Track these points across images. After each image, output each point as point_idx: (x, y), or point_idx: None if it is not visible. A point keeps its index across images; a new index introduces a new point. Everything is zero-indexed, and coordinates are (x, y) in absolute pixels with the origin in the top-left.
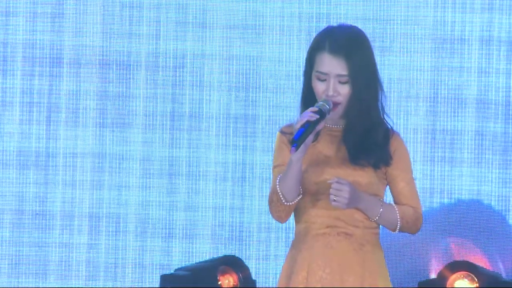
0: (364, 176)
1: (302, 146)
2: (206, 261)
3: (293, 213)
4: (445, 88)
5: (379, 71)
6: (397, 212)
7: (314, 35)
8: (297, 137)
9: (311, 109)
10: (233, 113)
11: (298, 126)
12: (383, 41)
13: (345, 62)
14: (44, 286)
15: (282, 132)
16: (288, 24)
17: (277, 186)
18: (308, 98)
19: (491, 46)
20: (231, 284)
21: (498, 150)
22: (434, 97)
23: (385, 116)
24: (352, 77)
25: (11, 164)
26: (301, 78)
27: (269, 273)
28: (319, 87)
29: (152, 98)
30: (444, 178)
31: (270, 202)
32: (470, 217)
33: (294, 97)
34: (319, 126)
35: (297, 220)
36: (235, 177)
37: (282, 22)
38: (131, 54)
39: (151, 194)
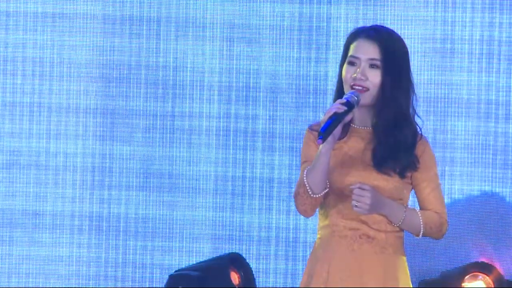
0: (389, 181)
1: (330, 138)
2: (212, 260)
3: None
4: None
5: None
6: (420, 217)
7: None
8: (324, 129)
9: (338, 101)
10: (233, 113)
11: (325, 118)
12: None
13: (379, 47)
14: (45, 286)
15: (310, 128)
16: (287, 25)
17: (304, 178)
18: (342, 91)
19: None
20: (236, 282)
21: None
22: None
23: (415, 117)
24: (384, 63)
25: (14, 164)
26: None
27: (269, 272)
28: (348, 71)
29: (153, 99)
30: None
31: (296, 195)
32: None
33: (295, 97)
34: (348, 118)
35: (321, 221)
36: (235, 177)
37: (282, 23)
38: (131, 54)
39: (151, 194)
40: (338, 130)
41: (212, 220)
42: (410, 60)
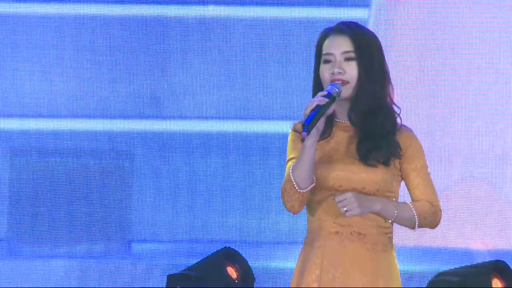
0: (376, 172)
1: (314, 130)
2: (206, 258)
3: (305, 209)
4: None
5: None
6: (413, 209)
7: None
8: (308, 122)
9: (320, 93)
10: (234, 114)
11: (308, 111)
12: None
13: (350, 39)
14: (45, 286)
15: (293, 130)
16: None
17: (291, 174)
18: (319, 91)
19: None
20: (234, 275)
21: None
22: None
23: (394, 106)
24: (358, 54)
25: None
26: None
27: (269, 272)
28: (324, 69)
29: (153, 100)
30: None
31: (283, 192)
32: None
33: (294, 96)
34: (330, 110)
35: (310, 217)
36: (234, 177)
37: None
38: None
39: (150, 195)
40: (321, 122)
41: (212, 220)
42: (383, 53)
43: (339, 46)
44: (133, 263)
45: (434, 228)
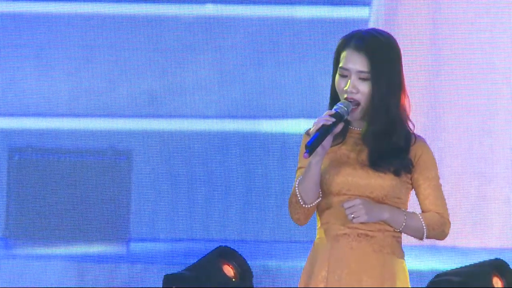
0: (385, 178)
1: (319, 149)
2: (202, 258)
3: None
4: None
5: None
6: (422, 220)
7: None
8: (310, 143)
9: (327, 112)
10: (233, 114)
11: (313, 130)
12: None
13: (367, 59)
14: (45, 286)
15: (307, 134)
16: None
17: (296, 189)
18: (335, 99)
19: None
20: (232, 273)
21: None
22: None
23: (408, 122)
24: (373, 74)
25: None
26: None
27: (268, 272)
28: (340, 83)
29: (151, 98)
30: None
31: (290, 204)
32: None
33: (294, 95)
34: (337, 129)
35: (319, 219)
36: (233, 177)
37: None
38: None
39: (148, 194)
40: (328, 141)
41: (210, 218)
42: (401, 62)
43: (355, 64)
44: (131, 262)
45: (443, 240)
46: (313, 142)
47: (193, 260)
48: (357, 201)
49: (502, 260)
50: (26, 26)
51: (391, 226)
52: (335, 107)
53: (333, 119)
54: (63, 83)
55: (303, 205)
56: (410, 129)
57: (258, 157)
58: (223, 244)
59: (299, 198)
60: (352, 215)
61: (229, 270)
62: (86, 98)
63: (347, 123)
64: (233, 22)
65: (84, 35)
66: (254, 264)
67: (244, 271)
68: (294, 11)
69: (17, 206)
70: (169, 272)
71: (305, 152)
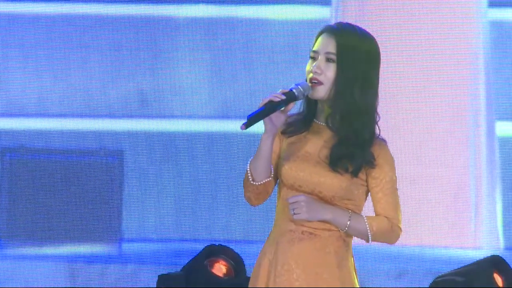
0: (338, 178)
1: (269, 126)
2: (195, 257)
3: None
4: None
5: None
6: (367, 223)
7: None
8: (249, 116)
9: (281, 90)
10: (233, 114)
11: (260, 104)
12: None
13: (336, 41)
14: (33, 286)
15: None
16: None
17: (248, 165)
18: None
19: None
20: (225, 271)
21: None
22: None
23: (376, 125)
24: (339, 58)
25: None
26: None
27: None
28: (309, 64)
29: (153, 101)
30: None
31: (243, 183)
32: None
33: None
34: (289, 107)
35: (276, 212)
36: (232, 177)
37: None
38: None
39: (140, 194)
40: (279, 118)
41: (203, 218)
42: (377, 64)
43: (324, 46)
44: (122, 262)
45: (392, 244)
46: (253, 116)
47: (184, 260)
48: (301, 197)
49: (498, 256)
50: (16, 26)
51: (334, 226)
52: (292, 86)
53: (283, 97)
54: (54, 83)
55: (253, 182)
56: (376, 132)
57: (247, 157)
58: (212, 243)
59: (249, 175)
60: (294, 212)
61: (220, 268)
62: (77, 99)
63: (312, 116)
64: (224, 23)
65: (74, 36)
66: (249, 262)
67: (238, 264)
68: (294, 11)
69: (8, 206)
70: (161, 272)
71: (242, 124)
